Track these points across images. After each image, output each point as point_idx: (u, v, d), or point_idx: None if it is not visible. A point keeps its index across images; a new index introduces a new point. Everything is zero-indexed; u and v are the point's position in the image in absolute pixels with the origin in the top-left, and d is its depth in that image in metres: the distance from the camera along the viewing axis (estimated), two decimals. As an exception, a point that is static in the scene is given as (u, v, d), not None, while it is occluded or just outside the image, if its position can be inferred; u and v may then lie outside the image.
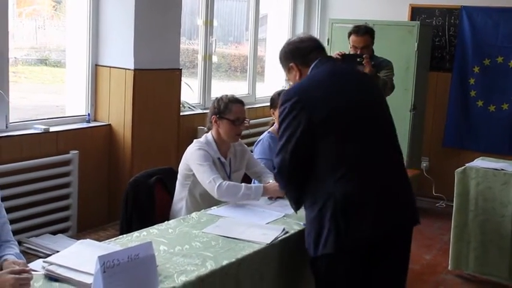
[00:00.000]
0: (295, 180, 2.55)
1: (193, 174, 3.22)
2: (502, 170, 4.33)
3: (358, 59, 4.52)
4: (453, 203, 4.45)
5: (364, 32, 4.74)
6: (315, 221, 2.45)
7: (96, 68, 4.59)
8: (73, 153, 4.23)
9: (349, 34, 4.80)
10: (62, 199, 4.23)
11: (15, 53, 4.62)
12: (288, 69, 2.73)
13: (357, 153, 2.47)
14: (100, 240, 4.12)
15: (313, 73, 2.63)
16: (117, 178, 4.56)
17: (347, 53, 4.68)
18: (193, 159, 3.22)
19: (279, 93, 4.21)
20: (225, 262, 2.26)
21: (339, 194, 2.40)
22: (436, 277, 4.52)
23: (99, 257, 1.83)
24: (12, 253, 2.20)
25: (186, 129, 5.12)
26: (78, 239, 4.18)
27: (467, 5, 6.22)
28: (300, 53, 2.70)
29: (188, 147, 3.32)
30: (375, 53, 5.15)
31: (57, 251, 3.75)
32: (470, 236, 4.38)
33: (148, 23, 4.52)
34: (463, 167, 4.44)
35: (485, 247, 4.38)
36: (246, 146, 3.56)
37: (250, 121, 5.69)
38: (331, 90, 2.56)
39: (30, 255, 3.66)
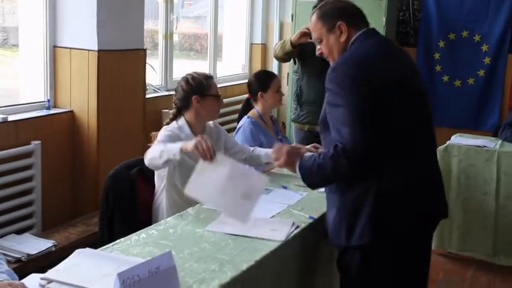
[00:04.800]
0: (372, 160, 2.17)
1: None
2: (484, 146, 4.26)
3: None
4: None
5: None
6: (349, 208, 2.22)
7: (54, 50, 4.19)
8: (35, 144, 3.86)
9: (314, 9, 4.53)
10: (24, 194, 3.86)
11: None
12: (330, 28, 2.34)
13: (406, 139, 2.21)
14: (72, 238, 3.85)
15: (363, 44, 2.29)
16: (83, 169, 4.20)
17: None
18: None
19: (256, 76, 3.91)
20: (244, 266, 2.02)
21: (384, 181, 2.17)
22: (420, 258, 4.41)
23: (118, 274, 1.57)
24: (2, 271, 1.87)
25: (151, 113, 4.80)
26: (45, 237, 3.86)
27: (431, -23, 6.11)
28: (350, 12, 2.35)
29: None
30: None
31: (27, 254, 3.46)
32: (453, 215, 4.29)
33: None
34: (444, 145, 4.33)
35: (468, 225, 4.32)
36: (220, 125, 3.33)
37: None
38: (389, 67, 2.25)
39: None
